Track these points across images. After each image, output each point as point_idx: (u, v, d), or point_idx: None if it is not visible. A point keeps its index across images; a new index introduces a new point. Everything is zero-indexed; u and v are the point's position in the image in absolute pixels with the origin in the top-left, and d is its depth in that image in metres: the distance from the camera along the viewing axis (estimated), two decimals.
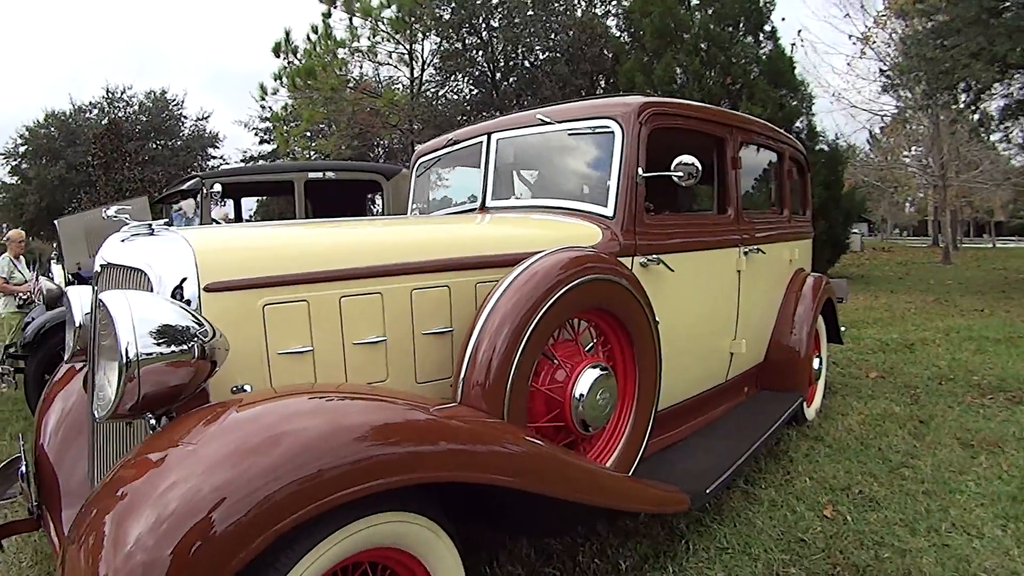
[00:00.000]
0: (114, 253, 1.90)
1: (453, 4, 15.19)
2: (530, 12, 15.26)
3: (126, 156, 22.11)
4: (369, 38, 16.48)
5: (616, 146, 2.53)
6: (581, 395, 1.96)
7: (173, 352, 1.39)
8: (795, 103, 11.47)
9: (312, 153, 17.97)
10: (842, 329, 4.47)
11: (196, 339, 1.42)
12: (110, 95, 25.89)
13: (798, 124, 11.49)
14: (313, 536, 1.28)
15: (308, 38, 16.10)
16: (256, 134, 23.80)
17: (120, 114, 25.58)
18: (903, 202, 38.02)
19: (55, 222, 5.89)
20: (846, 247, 13.42)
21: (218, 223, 5.46)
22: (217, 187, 5.04)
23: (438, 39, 16.40)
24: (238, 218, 7.06)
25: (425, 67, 17.18)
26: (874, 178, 23.50)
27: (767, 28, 11.94)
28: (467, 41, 16.19)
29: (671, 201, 4.08)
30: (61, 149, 24.86)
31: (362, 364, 1.85)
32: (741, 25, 11.69)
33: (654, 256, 2.52)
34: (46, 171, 24.46)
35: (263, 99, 17.00)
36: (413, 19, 15.83)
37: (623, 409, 2.19)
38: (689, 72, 11.27)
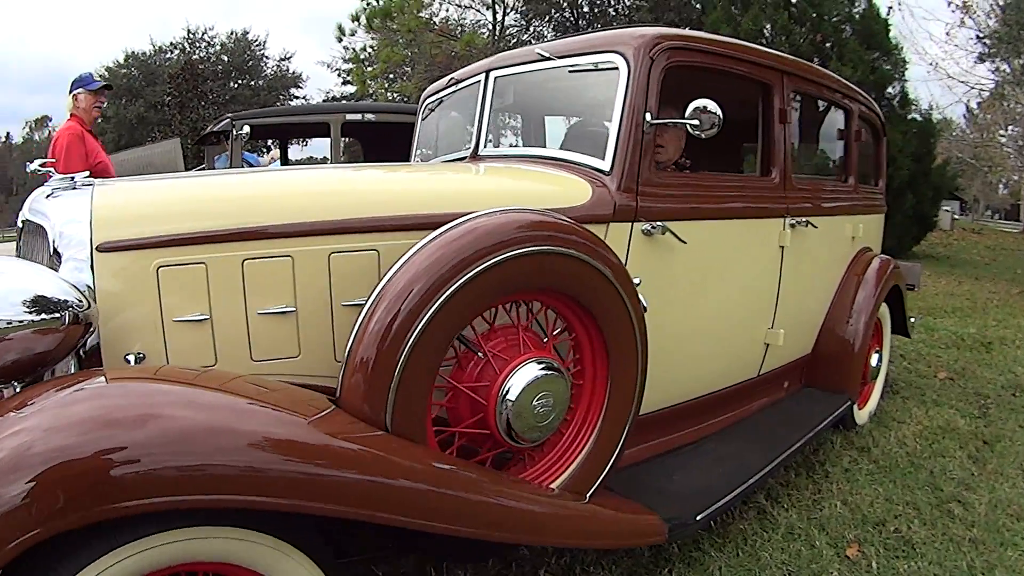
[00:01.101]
0: (32, 208, 1.65)
1: None
2: None
3: (202, 96, 21.87)
4: None
5: (620, 86, 1.99)
6: (509, 399, 1.49)
7: (43, 320, 1.25)
8: (888, 67, 10.05)
9: (393, 95, 17.57)
10: (911, 320, 3.75)
11: (69, 308, 1.28)
12: (191, 36, 25.71)
13: (890, 90, 10.08)
14: (111, 540, 1.07)
15: None
16: (339, 75, 23.29)
17: (200, 55, 25.25)
18: (996, 183, 33.95)
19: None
20: (933, 225, 11.91)
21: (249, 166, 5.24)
22: (246, 128, 4.80)
23: None
24: (284, 162, 6.88)
25: (508, 11, 16.42)
26: (968, 155, 20.94)
27: None
28: None
29: (717, 161, 3.46)
30: (140, 88, 24.77)
31: (268, 337, 1.55)
32: None
33: (659, 223, 2.00)
34: (125, 110, 24.45)
35: (340, 39, 16.78)
36: None
37: (587, 417, 1.72)
38: (777, 27, 10.08)
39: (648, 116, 1.97)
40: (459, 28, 16.85)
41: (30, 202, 1.67)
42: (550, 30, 16.20)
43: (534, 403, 1.51)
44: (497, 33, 16.31)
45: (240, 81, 25.27)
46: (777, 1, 10.10)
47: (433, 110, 3.05)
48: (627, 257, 1.98)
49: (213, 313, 1.51)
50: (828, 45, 9.86)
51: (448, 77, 2.89)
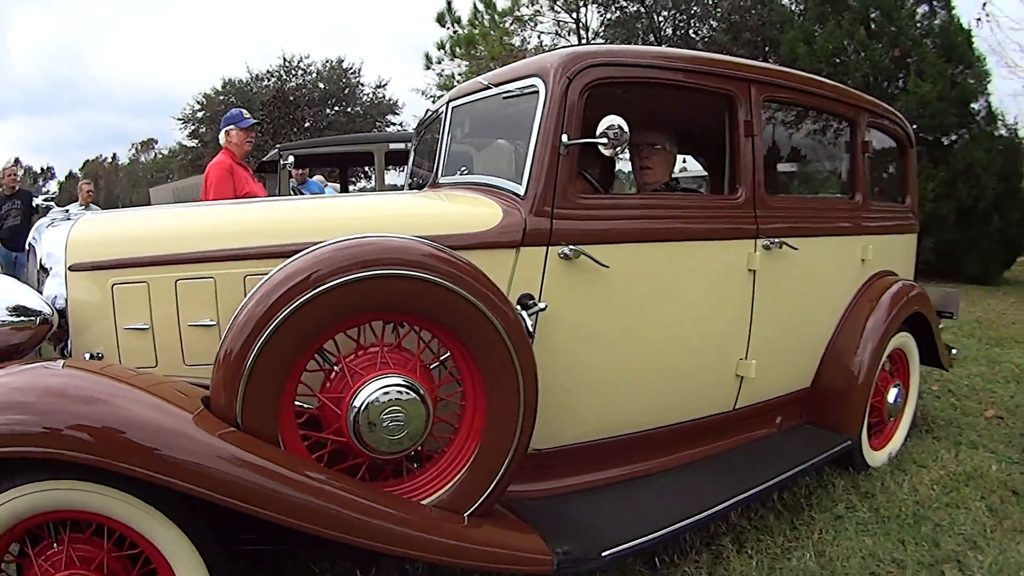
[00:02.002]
0: (32, 234, 2.04)
1: None
2: None
3: (294, 123, 22.15)
4: (528, 6, 16.18)
5: (538, 108, 1.95)
6: (356, 412, 1.51)
7: (20, 320, 1.61)
8: (971, 81, 8.99)
9: None
10: (952, 352, 3.30)
11: (39, 314, 1.64)
12: (287, 63, 25.60)
13: (974, 105, 9.01)
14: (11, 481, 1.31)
15: (475, 7, 16.04)
16: (433, 101, 23.79)
17: (295, 82, 25.24)
18: None
19: (149, 190, 6.49)
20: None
21: (300, 194, 5.54)
22: (291, 158, 5.12)
23: (599, 8, 15.62)
24: (344, 189, 7.25)
25: (594, 38, 16.41)
26: None
27: None
28: (628, 10, 15.23)
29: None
30: None
31: (197, 345, 1.77)
32: None
33: (575, 247, 1.90)
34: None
35: (427, 67, 17.38)
36: None
37: (467, 440, 1.64)
38: (855, 42, 9.40)
39: (565, 138, 1.89)
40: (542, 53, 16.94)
41: (34, 230, 2.03)
42: None
43: (382, 416, 1.52)
44: None
45: (336, 108, 25.18)
46: (855, 16, 9.43)
47: (423, 138, 3.12)
48: (542, 282, 1.90)
49: (154, 323, 1.77)
50: (911, 60, 9.02)
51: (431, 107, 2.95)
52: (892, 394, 2.86)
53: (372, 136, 5.89)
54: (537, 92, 1.96)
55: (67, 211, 2.04)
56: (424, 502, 1.59)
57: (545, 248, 1.89)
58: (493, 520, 1.67)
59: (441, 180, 2.47)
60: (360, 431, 1.51)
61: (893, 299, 2.78)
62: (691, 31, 15.14)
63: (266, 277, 1.50)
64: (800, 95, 2.52)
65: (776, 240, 2.35)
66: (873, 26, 9.43)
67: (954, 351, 3.38)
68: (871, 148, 2.78)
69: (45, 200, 2.35)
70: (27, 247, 2.14)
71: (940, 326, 3.33)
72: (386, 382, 1.52)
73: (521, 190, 1.93)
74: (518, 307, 1.81)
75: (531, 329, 1.68)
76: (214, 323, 1.76)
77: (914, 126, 8.86)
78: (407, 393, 1.53)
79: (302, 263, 1.48)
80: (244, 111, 4.30)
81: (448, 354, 1.66)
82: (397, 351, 1.61)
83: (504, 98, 2.17)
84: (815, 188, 3.23)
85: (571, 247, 1.89)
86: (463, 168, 2.46)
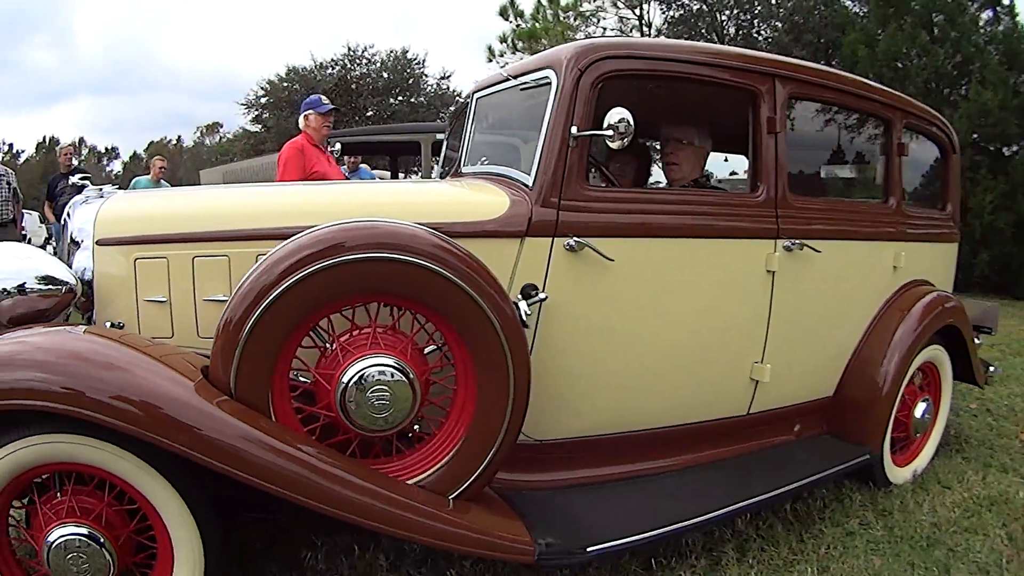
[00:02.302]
0: (69, 210, 2.13)
1: None
2: None
3: (356, 111, 21.87)
4: (590, 2, 16.01)
5: (550, 99, 1.93)
6: (343, 389, 1.54)
7: (48, 288, 1.75)
8: None
9: None
10: (991, 369, 3.12)
11: (65, 283, 1.77)
12: (351, 52, 25.36)
13: None
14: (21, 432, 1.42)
15: (538, 1, 15.92)
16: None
17: (358, 72, 24.97)
18: None
19: (199, 172, 6.69)
20: None
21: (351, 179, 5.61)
22: (337, 146, 5.22)
23: (661, 5, 15.36)
24: (394, 175, 7.35)
25: (656, 35, 16.14)
26: None
27: (1005, 1, 8.93)
28: (690, 8, 14.92)
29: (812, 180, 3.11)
30: (300, 102, 26.13)
31: (211, 319, 1.81)
32: None
33: (581, 239, 1.87)
34: (286, 121, 23.89)
35: (489, 60, 17.42)
36: None
37: (456, 425, 1.65)
38: (917, 47, 8.96)
39: (574, 129, 1.87)
40: None
41: (68, 206, 2.14)
42: None
43: (368, 395, 1.55)
44: None
45: (400, 98, 24.85)
46: (917, 20, 8.99)
47: (454, 128, 3.14)
48: (547, 272, 1.89)
49: (172, 297, 1.86)
50: (975, 66, 8.53)
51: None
52: (920, 409, 2.72)
53: (420, 126, 5.96)
54: (550, 84, 1.95)
55: (100, 190, 2.16)
56: (410, 482, 1.60)
57: (551, 239, 1.88)
58: (480, 505, 1.67)
59: (464, 170, 2.49)
60: (347, 407, 1.54)
61: (925, 310, 2.64)
62: (753, 31, 14.75)
63: (270, 252, 1.55)
64: (829, 92, 2.41)
65: (797, 241, 2.27)
66: (936, 31, 8.96)
67: (992, 368, 3.19)
68: (907, 151, 2.65)
69: (81, 179, 2.52)
70: (62, 222, 2.27)
71: (978, 341, 3.15)
72: (375, 361, 1.54)
73: (530, 180, 1.92)
74: (519, 296, 1.81)
75: (525, 319, 1.67)
76: (227, 299, 1.80)
77: (975, 135, 8.45)
78: (395, 374, 1.55)
79: (299, 243, 1.52)
80: (323, 97, 4.35)
81: (444, 341, 1.67)
82: (390, 333, 1.63)
83: (521, 89, 2.17)
84: (847, 190, 3.10)
85: (576, 239, 1.87)
86: (484, 158, 2.47)
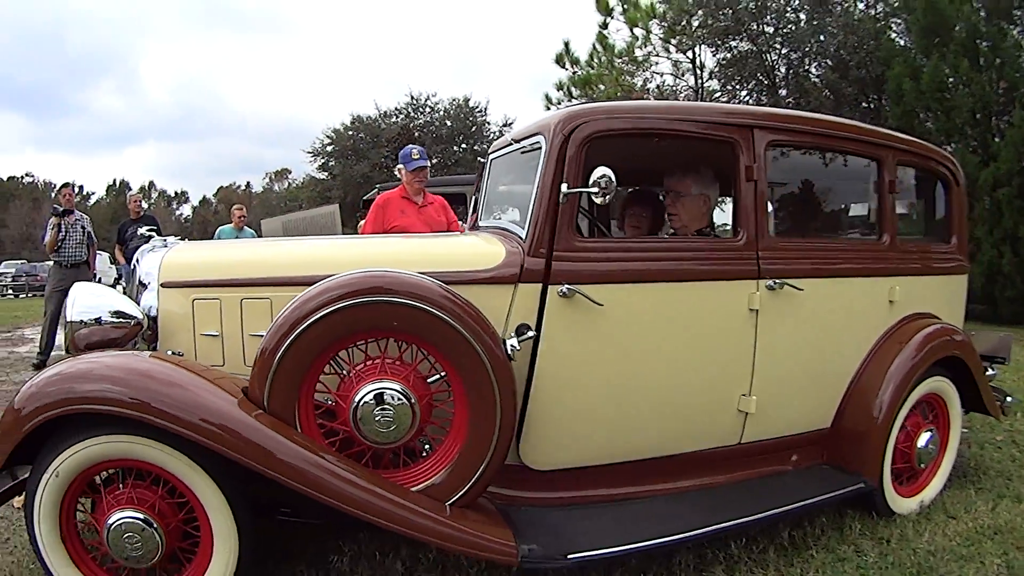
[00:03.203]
0: (137, 256, 2.55)
1: (721, 12, 14.17)
2: (803, 15, 13.59)
3: None
4: (641, 47, 16.33)
5: (540, 161, 2.21)
6: (355, 407, 1.84)
7: (118, 321, 2.16)
8: None
9: None
10: (1008, 399, 3.10)
11: (133, 317, 2.17)
12: (415, 101, 25.93)
13: None
14: (88, 432, 1.77)
15: (595, 47, 16.30)
16: None
17: (421, 120, 25.45)
18: None
19: (260, 221, 7.25)
20: None
21: None
22: None
23: (710, 48, 15.55)
24: None
25: (709, 77, 16.28)
26: None
27: None
28: (738, 49, 15.06)
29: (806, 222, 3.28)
30: (366, 149, 24.95)
31: (255, 351, 2.09)
32: (1018, 20, 8.67)
33: (572, 286, 2.11)
34: (351, 169, 24.75)
35: (547, 108, 17.87)
36: (680, 28, 15.22)
37: (452, 443, 1.90)
38: (960, 74, 8.80)
39: (564, 187, 2.12)
40: (660, 94, 16.92)
41: (137, 253, 2.56)
42: (751, 93, 15.68)
43: (374, 413, 1.83)
44: (700, 98, 16.21)
45: (464, 145, 25.28)
46: (959, 48, 8.85)
47: (478, 186, 3.48)
48: (541, 315, 2.13)
49: (223, 332, 2.19)
50: (1016, 93, 8.28)
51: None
52: (923, 439, 2.76)
53: (464, 179, 6.38)
54: (540, 148, 2.23)
55: (165, 240, 2.56)
56: (413, 489, 1.87)
57: (542, 285, 2.13)
58: (475, 512, 1.91)
59: (480, 223, 2.80)
60: (359, 422, 1.84)
61: (923, 341, 2.70)
62: (802, 70, 14.71)
63: (296, 297, 1.88)
64: (809, 137, 2.58)
65: (779, 281, 2.43)
66: (982, 60, 8.78)
67: (1009, 399, 3.16)
68: (897, 188, 2.76)
69: (148, 230, 3.07)
70: (131, 267, 2.70)
71: (992, 372, 3.15)
72: (381, 386, 1.85)
73: (524, 233, 2.19)
74: (512, 334, 2.06)
75: (512, 354, 1.92)
76: None
77: (1023, 163, 8.15)
78: (394, 396, 1.84)
79: (322, 287, 1.85)
80: (415, 151, 4.36)
81: (444, 372, 1.95)
82: (398, 363, 1.92)
83: (522, 152, 2.47)
84: (841, 229, 3.21)
85: (568, 286, 2.11)
86: (496, 213, 2.77)
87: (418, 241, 2.55)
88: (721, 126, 2.38)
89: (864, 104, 12.80)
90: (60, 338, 6.37)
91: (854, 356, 2.71)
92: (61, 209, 6.27)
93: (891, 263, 2.76)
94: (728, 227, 2.80)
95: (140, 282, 2.33)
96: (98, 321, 2.15)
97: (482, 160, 3.22)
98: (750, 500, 2.38)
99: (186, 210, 60.42)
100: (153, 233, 2.88)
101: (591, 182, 2.02)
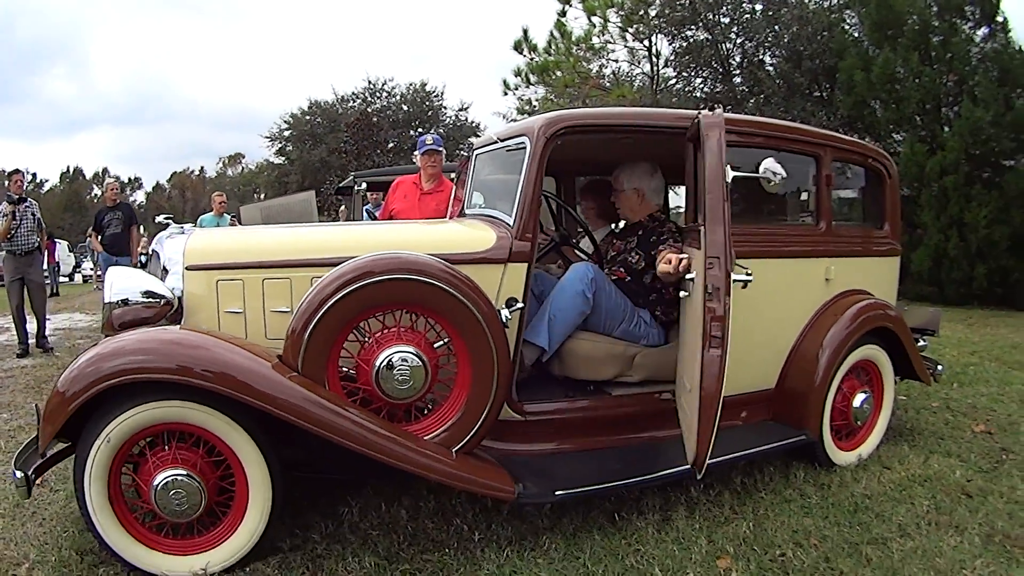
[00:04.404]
0: (157, 242, 2.81)
1: (679, 2, 14.57)
2: (758, 6, 14.14)
3: (377, 144, 22.81)
4: (599, 36, 16.68)
5: (525, 159, 2.56)
6: (376, 369, 2.17)
7: (149, 301, 2.39)
8: None
9: None
10: (938, 368, 3.57)
11: (163, 297, 2.39)
12: (371, 86, 26.18)
13: None
14: (136, 400, 2.02)
15: (552, 35, 16.69)
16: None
17: (378, 105, 25.66)
18: None
19: (240, 207, 7.46)
20: None
21: (374, 217, 6.29)
22: (364, 184, 5.91)
23: (667, 37, 16.02)
24: None
25: (664, 65, 16.77)
26: None
27: (999, 19, 9.20)
28: (694, 38, 15.57)
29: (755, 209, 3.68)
30: (323, 135, 25.11)
31: (276, 325, 2.43)
32: (969, 15, 9.29)
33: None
34: (308, 154, 25.02)
35: (505, 93, 18.20)
36: (638, 17, 15.66)
37: (456, 398, 2.27)
38: (910, 67, 9.39)
39: (730, 171, 2.29)
40: (616, 81, 17.35)
41: (157, 239, 2.80)
42: (706, 81, 16.22)
43: (393, 372, 2.16)
44: (655, 86, 16.72)
45: (420, 130, 25.17)
46: (910, 43, 9.44)
47: (461, 176, 3.80)
48: (526, 288, 2.49)
49: (246, 309, 2.44)
50: (969, 84, 8.90)
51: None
52: (859, 400, 3.19)
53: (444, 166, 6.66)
54: (525, 147, 2.58)
55: (182, 227, 2.83)
56: (426, 439, 2.21)
57: (527, 264, 2.49)
58: (476, 459, 2.26)
59: (466, 211, 3.13)
60: (380, 381, 2.17)
61: (856, 313, 3.13)
62: (757, 58, 15.27)
63: (322, 277, 2.18)
64: (757, 138, 2.95)
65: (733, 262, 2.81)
66: (933, 53, 9.37)
67: (939, 367, 3.62)
68: (832, 180, 3.18)
69: (165, 218, 3.30)
70: (151, 252, 2.95)
71: (923, 343, 3.62)
72: (398, 349, 2.18)
73: (511, 220, 2.54)
74: (503, 306, 2.41)
75: (506, 322, 2.27)
76: (288, 310, 2.40)
77: (970, 151, 8.78)
78: (409, 356, 2.17)
79: (345, 268, 2.16)
80: (429, 138, 4.54)
81: (448, 337, 2.29)
82: (410, 331, 2.25)
83: (507, 151, 2.81)
84: (786, 217, 3.62)
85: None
86: (480, 203, 3.11)
87: (422, 227, 2.88)
88: (674, 131, 2.73)
89: (816, 94, 13.28)
90: (32, 325, 6.51)
91: (795, 326, 3.12)
92: (15, 197, 6.34)
93: (827, 246, 3.18)
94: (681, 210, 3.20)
95: (163, 267, 2.59)
96: (126, 302, 2.37)
97: (465, 154, 3.54)
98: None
99: (140, 196, 59.04)
100: (170, 221, 3.14)
101: (761, 171, 2.36)
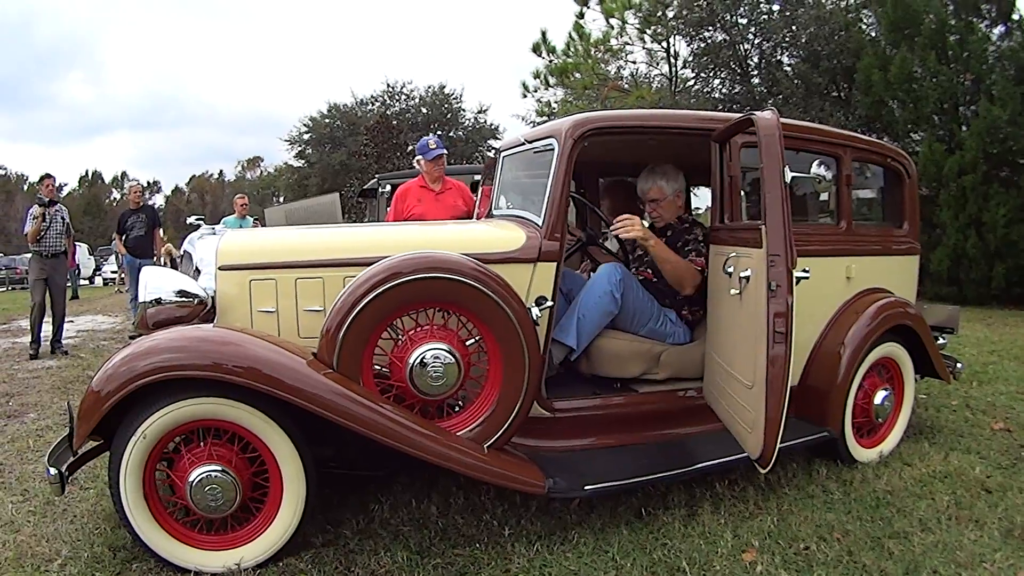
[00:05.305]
0: (189, 243, 2.84)
1: (696, 3, 14.58)
2: (776, 6, 14.12)
3: (397, 147, 22.65)
4: (616, 37, 16.72)
5: (553, 161, 2.62)
6: (410, 366, 2.22)
7: (183, 300, 2.45)
8: None
9: None
10: (958, 365, 3.58)
11: (196, 296, 2.44)
12: (390, 89, 26.18)
13: None
14: (173, 397, 2.04)
15: (570, 37, 16.88)
16: (533, 126, 23.30)
17: (397, 107, 25.77)
18: None
19: (264, 210, 7.56)
20: None
21: None
22: (388, 187, 5.97)
23: (685, 38, 16.03)
24: None
25: (683, 67, 16.75)
26: None
27: (1016, 17, 9.13)
28: (712, 39, 15.55)
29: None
30: (343, 138, 25.26)
31: (308, 324, 2.48)
32: (985, 14, 9.23)
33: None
34: (328, 157, 24.95)
35: (524, 95, 18.26)
36: (656, 18, 15.70)
37: (488, 395, 2.31)
38: (928, 66, 9.35)
39: (788, 172, 2.30)
40: (634, 82, 17.36)
41: (188, 240, 2.87)
42: (724, 82, 16.21)
43: (427, 369, 2.21)
44: (674, 86, 16.73)
45: (439, 132, 25.05)
46: (927, 42, 9.40)
47: (486, 177, 3.87)
48: (555, 287, 2.55)
49: (279, 308, 2.48)
50: (988, 84, 8.84)
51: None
52: (880, 396, 3.22)
53: (459, 168, 6.71)
54: (553, 150, 2.63)
55: (213, 228, 2.91)
56: (458, 434, 2.26)
57: (556, 263, 2.54)
58: (508, 455, 2.31)
59: (494, 212, 3.20)
60: (414, 378, 2.21)
61: (876, 311, 3.15)
62: (774, 59, 15.24)
63: (356, 277, 2.24)
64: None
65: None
66: (950, 53, 9.31)
67: (959, 365, 3.64)
68: (852, 180, 3.21)
69: (196, 219, 3.38)
70: (182, 253, 3.03)
71: (943, 341, 3.63)
72: (432, 347, 2.23)
73: (540, 220, 2.60)
74: (533, 304, 2.46)
75: (537, 320, 2.33)
76: (321, 309, 2.45)
77: (989, 151, 8.73)
78: (443, 354, 2.22)
79: (378, 268, 2.21)
80: (431, 141, 4.56)
81: (480, 335, 2.34)
82: (443, 328, 2.31)
83: (535, 152, 2.87)
84: (808, 216, 3.65)
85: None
86: (509, 203, 3.17)
87: (454, 228, 2.94)
88: (700, 133, 2.79)
89: (834, 94, 13.27)
90: (47, 329, 6.64)
91: (817, 324, 3.15)
92: (47, 200, 6.42)
93: (847, 245, 3.21)
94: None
95: (196, 268, 2.67)
96: (159, 301, 2.40)
97: (490, 155, 3.60)
98: (731, 445, 2.82)
99: (159, 199, 59.86)
100: (201, 222, 3.23)
101: (811, 173, 2.42)
